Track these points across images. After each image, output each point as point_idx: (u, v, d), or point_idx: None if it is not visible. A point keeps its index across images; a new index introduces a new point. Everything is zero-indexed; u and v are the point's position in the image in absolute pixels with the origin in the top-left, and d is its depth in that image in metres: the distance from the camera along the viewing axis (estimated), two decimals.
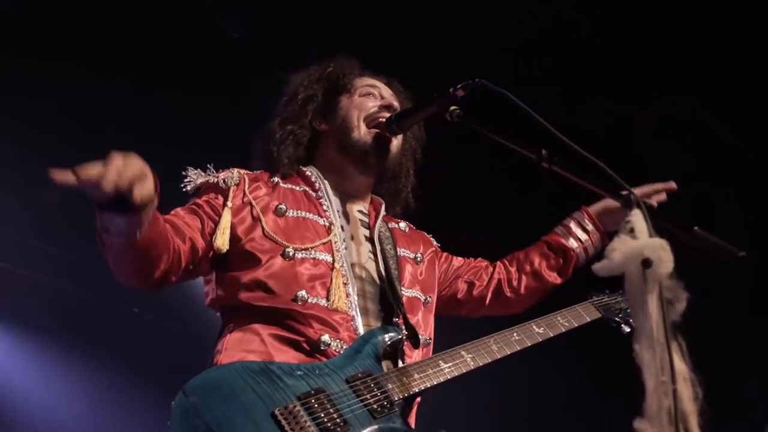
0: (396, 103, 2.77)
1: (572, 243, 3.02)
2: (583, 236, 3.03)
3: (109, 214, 1.94)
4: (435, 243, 3.01)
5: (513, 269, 3.03)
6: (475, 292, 2.97)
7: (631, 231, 1.59)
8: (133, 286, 2.34)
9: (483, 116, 2.19)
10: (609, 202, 3.00)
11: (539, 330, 2.73)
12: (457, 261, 3.04)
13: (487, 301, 2.97)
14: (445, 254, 3.03)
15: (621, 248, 1.57)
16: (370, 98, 2.77)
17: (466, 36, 4.87)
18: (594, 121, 4.76)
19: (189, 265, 2.34)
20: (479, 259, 3.11)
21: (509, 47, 4.86)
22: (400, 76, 2.97)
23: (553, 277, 3.02)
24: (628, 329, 3.03)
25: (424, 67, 4.60)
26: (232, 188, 2.49)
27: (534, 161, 1.95)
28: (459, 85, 2.28)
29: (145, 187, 1.86)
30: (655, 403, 1.39)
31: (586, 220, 3.05)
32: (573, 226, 3.05)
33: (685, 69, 4.80)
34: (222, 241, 2.38)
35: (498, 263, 3.08)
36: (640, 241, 1.55)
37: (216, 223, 2.41)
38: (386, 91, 2.83)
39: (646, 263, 1.51)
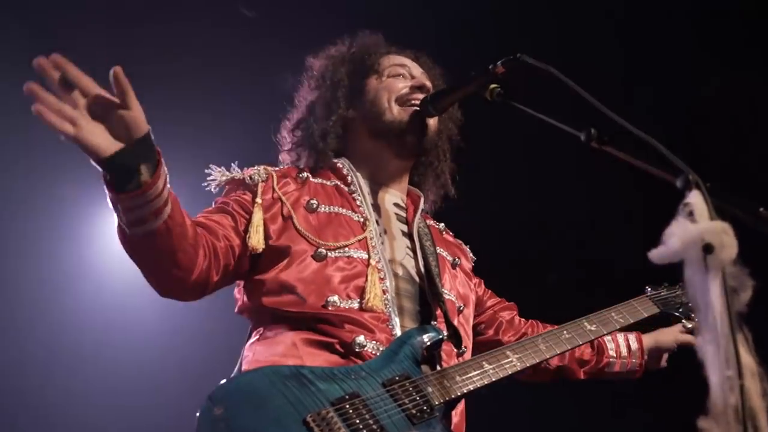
0: (428, 83, 2.74)
1: (611, 351, 3.05)
2: (624, 352, 3.08)
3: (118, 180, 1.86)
4: (472, 256, 3.00)
5: (542, 331, 3.01)
6: (503, 337, 2.95)
7: (690, 214, 1.55)
8: (176, 293, 2.27)
9: (524, 94, 2.17)
10: (662, 339, 3.08)
11: (591, 327, 2.71)
12: (493, 295, 3.05)
13: None
14: (480, 280, 3.02)
15: (679, 233, 1.52)
16: (400, 79, 2.74)
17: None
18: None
19: (229, 264, 2.33)
20: (512, 303, 3.10)
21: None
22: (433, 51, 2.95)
23: (575, 365, 3.02)
24: (689, 325, 2.98)
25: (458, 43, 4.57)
26: (260, 184, 2.48)
27: (582, 141, 1.91)
28: (498, 62, 2.25)
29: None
30: (721, 400, 1.35)
31: (635, 343, 3.11)
32: (621, 340, 3.10)
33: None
34: (257, 240, 2.37)
35: (531, 321, 3.09)
36: (701, 225, 1.50)
37: (248, 221, 2.40)
38: (416, 70, 2.80)
39: (708, 249, 1.46)
